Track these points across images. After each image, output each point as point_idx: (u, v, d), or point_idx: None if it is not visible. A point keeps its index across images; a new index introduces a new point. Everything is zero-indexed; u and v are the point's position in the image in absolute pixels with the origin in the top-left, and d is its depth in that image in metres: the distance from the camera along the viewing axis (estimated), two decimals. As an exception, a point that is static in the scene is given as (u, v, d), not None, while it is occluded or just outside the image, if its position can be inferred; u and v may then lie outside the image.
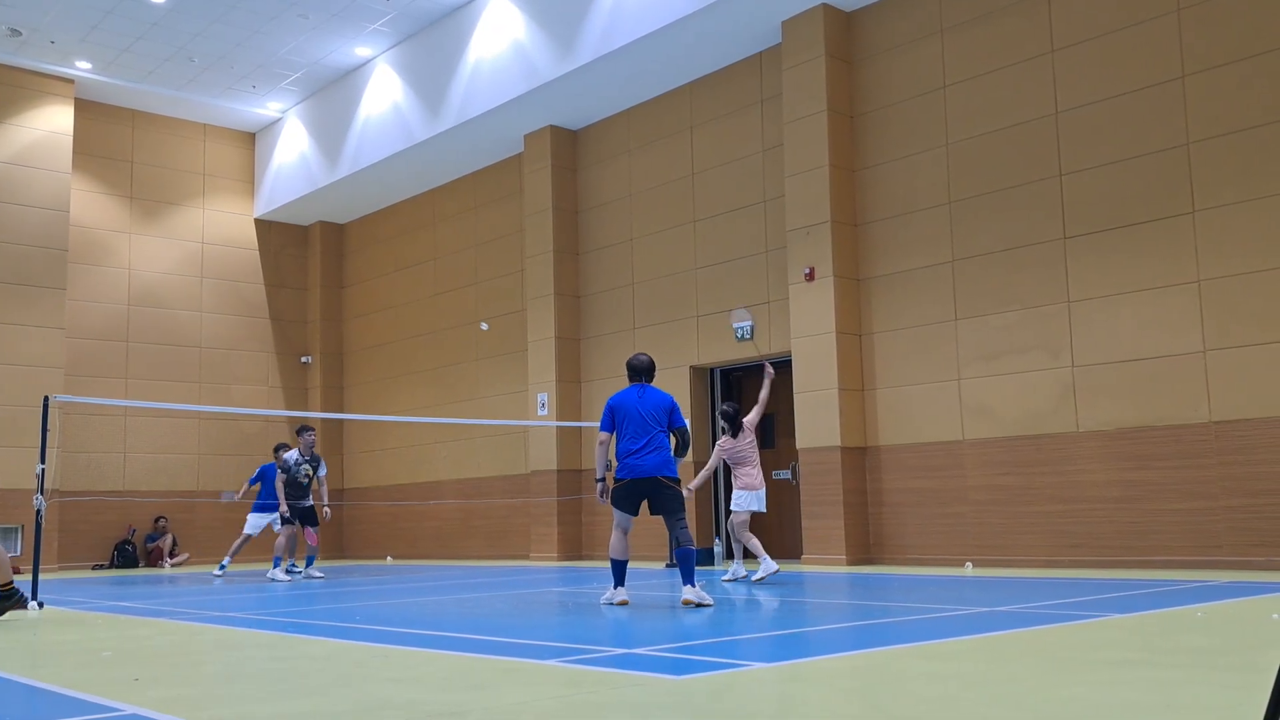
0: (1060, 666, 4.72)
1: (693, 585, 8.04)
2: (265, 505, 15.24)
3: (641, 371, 8.72)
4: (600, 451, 8.62)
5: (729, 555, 15.83)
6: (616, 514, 8.46)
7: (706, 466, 11.08)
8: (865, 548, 13.38)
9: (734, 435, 10.84)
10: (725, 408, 11.02)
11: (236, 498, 16.85)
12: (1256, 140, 10.64)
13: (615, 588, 8.43)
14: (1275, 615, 6.41)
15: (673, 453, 8.44)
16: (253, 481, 15.79)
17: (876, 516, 13.42)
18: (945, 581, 10.13)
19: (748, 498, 10.78)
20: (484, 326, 19.33)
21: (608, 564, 8.92)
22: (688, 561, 8.15)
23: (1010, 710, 3.78)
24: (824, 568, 12.80)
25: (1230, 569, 10.39)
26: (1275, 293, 10.41)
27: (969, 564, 12.10)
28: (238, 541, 15.26)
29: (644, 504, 8.45)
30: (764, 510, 10.94)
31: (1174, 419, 11.01)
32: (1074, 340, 11.80)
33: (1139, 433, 11.25)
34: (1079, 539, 11.59)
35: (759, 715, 3.84)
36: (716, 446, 11.04)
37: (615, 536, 8.50)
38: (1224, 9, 10.96)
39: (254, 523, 15.40)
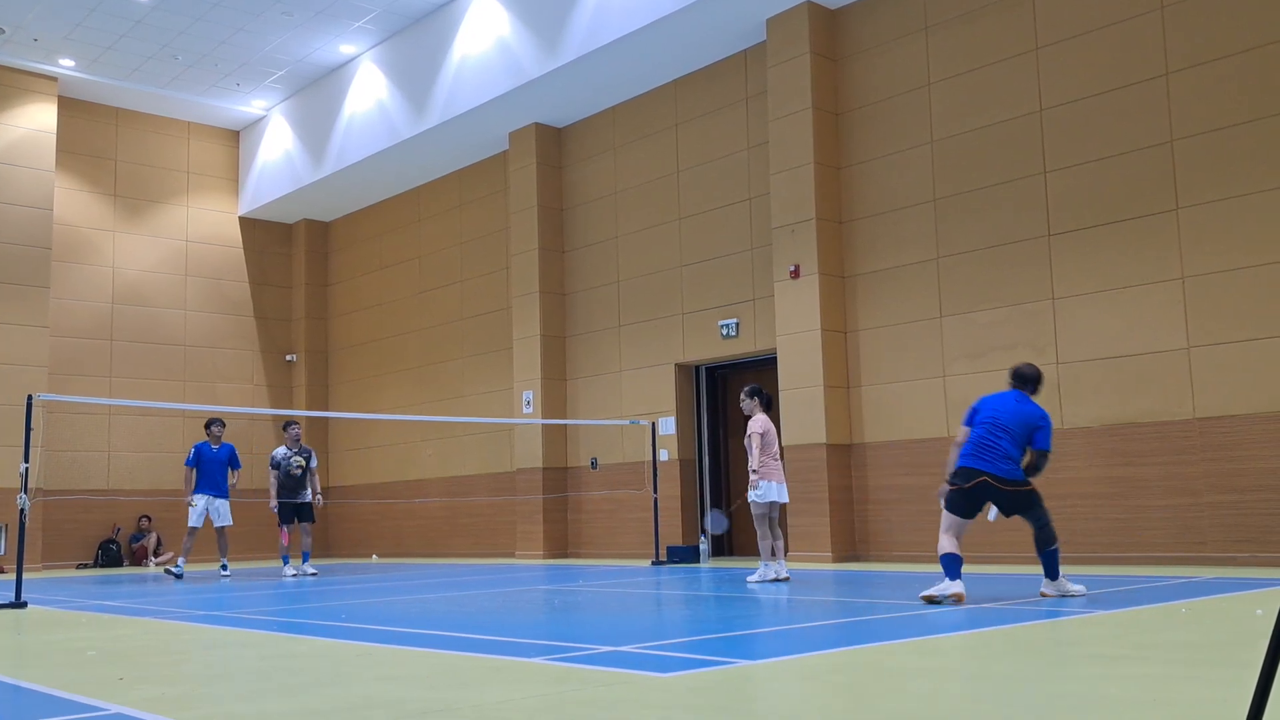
0: (1046, 662, 4.73)
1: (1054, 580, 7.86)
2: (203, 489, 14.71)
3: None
4: None
5: (717, 552, 15.86)
6: None
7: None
8: (851, 545, 13.40)
9: (765, 410, 10.59)
10: (758, 386, 10.75)
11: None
12: (1239, 137, 10.69)
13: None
14: (1259, 611, 6.43)
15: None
16: (189, 462, 14.92)
17: (862, 514, 13.45)
18: (932, 578, 10.14)
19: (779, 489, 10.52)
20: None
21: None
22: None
23: (996, 706, 3.79)
24: (810, 565, 12.82)
25: (1215, 565, 10.43)
26: (1258, 289, 10.46)
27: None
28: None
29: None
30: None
31: (1159, 415, 11.05)
32: (1058, 337, 11.84)
33: (1124, 429, 11.29)
34: (1064, 535, 11.55)
35: (746, 713, 3.84)
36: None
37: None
38: (1207, 7, 11.00)
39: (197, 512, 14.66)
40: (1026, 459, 7.98)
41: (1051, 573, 7.94)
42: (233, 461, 14.97)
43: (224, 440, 15.09)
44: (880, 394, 13.38)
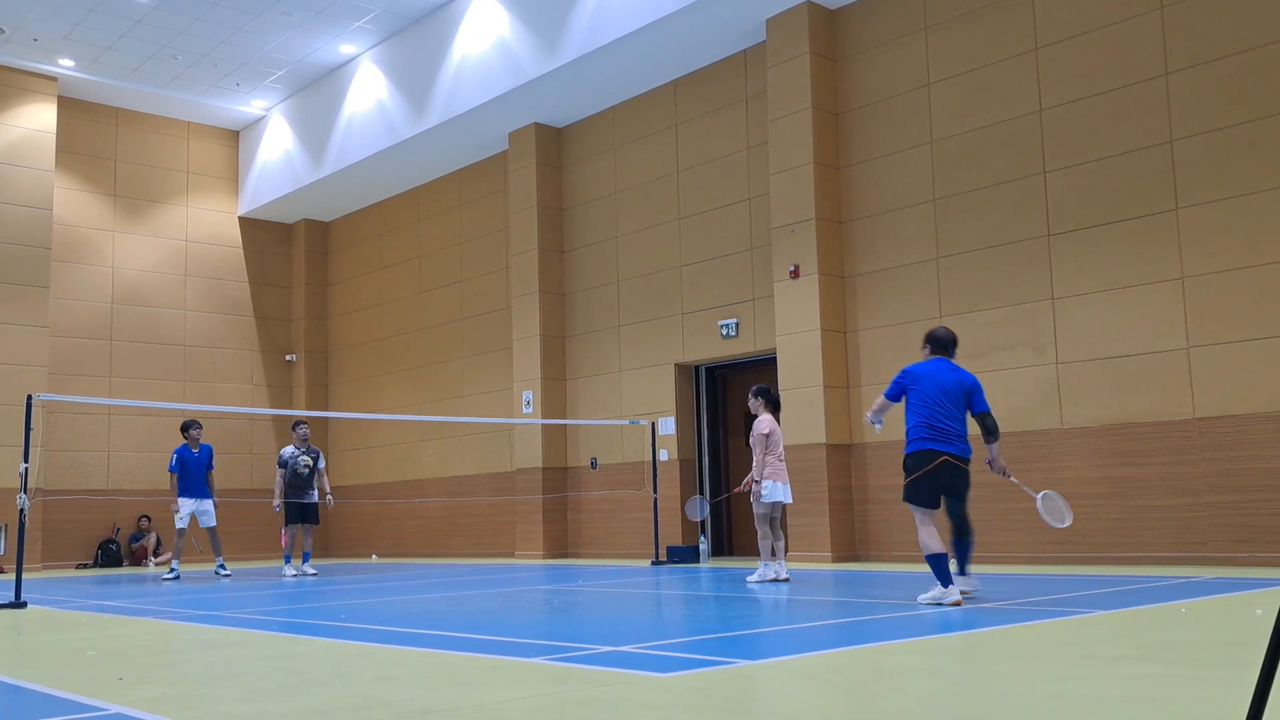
0: (1046, 662, 4.73)
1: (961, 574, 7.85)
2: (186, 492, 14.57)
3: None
4: None
5: (717, 551, 15.85)
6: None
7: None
8: (851, 545, 13.40)
9: (776, 414, 10.58)
10: (765, 387, 10.69)
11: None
12: (1239, 138, 10.69)
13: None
14: (1259, 611, 6.43)
15: None
16: (172, 468, 14.65)
17: (862, 514, 13.44)
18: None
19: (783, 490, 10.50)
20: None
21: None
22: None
23: (996, 706, 3.79)
24: (810, 565, 12.81)
25: (1215, 565, 10.43)
26: (1257, 289, 10.46)
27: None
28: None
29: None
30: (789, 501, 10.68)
31: (1158, 415, 11.05)
32: (1058, 337, 11.84)
33: (1123, 429, 11.29)
34: (1064, 535, 11.61)
35: (747, 713, 3.84)
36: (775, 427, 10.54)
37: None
38: (1207, 7, 11.00)
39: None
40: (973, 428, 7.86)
41: (965, 569, 7.91)
42: (209, 462, 14.84)
43: (206, 441, 15.09)
44: (880, 394, 13.34)
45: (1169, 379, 11.00)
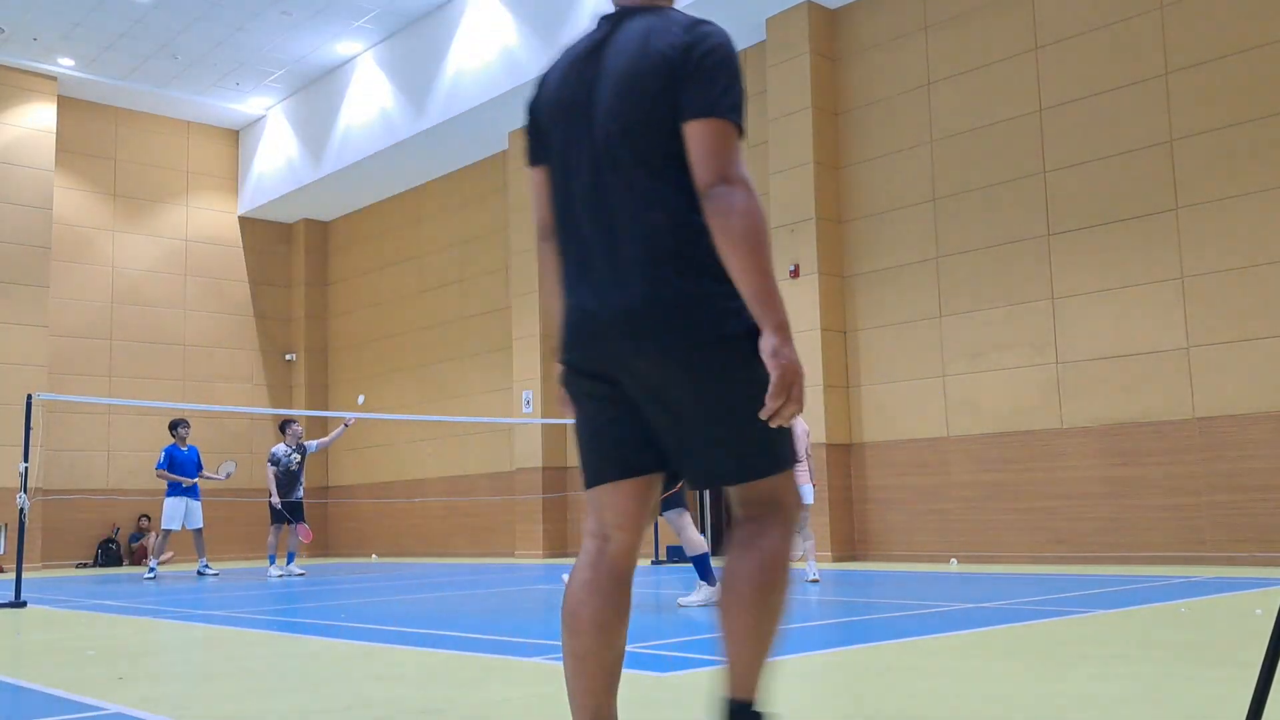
0: (1045, 661, 4.73)
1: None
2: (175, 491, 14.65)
3: None
4: None
5: (716, 552, 15.84)
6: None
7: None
8: (850, 544, 13.40)
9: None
10: None
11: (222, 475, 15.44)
12: (1239, 137, 10.69)
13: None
14: (1259, 610, 6.43)
15: None
16: (161, 466, 14.80)
17: (862, 513, 13.44)
18: (930, 578, 10.15)
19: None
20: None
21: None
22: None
23: (995, 705, 3.79)
24: (810, 564, 12.80)
25: (1214, 564, 10.43)
26: (1258, 289, 10.46)
27: (954, 560, 12.12)
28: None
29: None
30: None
31: (1158, 415, 11.05)
32: (1058, 336, 11.84)
33: (1123, 429, 11.29)
34: (1063, 535, 11.63)
35: (745, 712, 3.83)
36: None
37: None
38: (1207, 7, 11.00)
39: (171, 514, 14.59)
40: None
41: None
42: (199, 463, 14.93)
43: (197, 442, 15.08)
44: (880, 394, 13.37)
45: (1169, 379, 11.00)
